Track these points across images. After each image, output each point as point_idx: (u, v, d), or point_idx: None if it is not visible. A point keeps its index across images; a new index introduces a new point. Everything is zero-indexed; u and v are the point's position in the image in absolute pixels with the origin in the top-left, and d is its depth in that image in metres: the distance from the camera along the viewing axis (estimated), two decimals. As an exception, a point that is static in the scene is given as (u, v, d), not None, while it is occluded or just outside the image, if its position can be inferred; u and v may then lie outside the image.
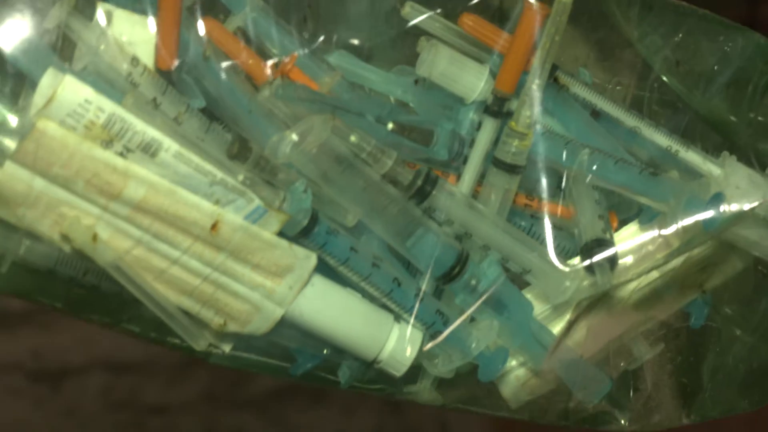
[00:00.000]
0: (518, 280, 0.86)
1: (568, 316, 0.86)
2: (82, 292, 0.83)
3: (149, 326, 0.86)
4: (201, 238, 0.76)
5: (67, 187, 0.73)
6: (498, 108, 0.84)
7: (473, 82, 0.86)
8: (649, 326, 0.92)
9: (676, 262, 0.86)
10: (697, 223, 0.84)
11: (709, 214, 0.84)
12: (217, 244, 0.76)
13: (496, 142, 0.85)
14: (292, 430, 1.98)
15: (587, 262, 0.83)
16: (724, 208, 0.84)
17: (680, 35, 0.88)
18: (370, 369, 0.85)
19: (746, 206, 0.83)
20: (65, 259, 0.81)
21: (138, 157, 0.74)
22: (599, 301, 0.86)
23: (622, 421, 0.93)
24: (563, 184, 0.86)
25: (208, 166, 0.76)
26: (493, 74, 0.86)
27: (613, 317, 0.88)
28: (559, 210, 0.88)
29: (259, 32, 0.83)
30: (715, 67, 0.88)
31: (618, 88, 0.91)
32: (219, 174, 0.76)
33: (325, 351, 0.85)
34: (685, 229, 0.83)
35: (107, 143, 0.74)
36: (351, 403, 1.97)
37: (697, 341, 0.95)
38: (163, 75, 0.78)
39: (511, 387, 0.88)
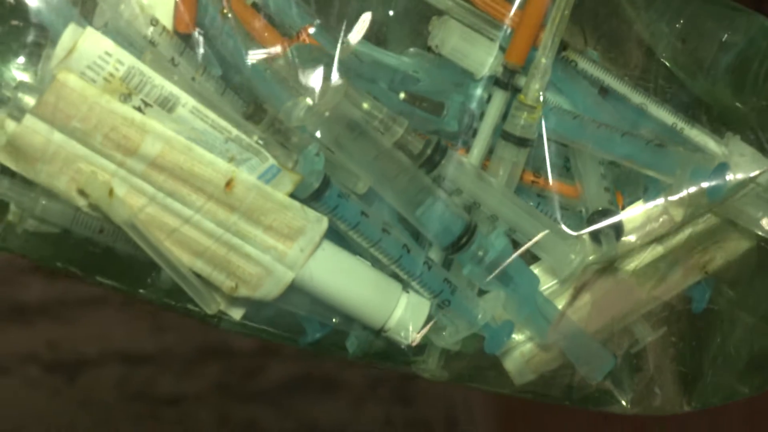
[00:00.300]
0: (525, 256, 0.84)
1: (571, 288, 0.85)
2: (97, 254, 0.83)
3: (161, 292, 0.85)
4: (215, 197, 0.75)
5: (85, 142, 0.72)
6: (507, 80, 0.84)
7: (483, 57, 0.85)
8: (651, 307, 0.91)
9: (680, 238, 0.86)
10: (701, 192, 0.83)
11: (713, 182, 0.83)
12: (231, 203, 0.75)
13: (505, 116, 0.84)
14: (303, 421, 1.97)
15: (590, 229, 0.83)
16: (729, 177, 0.82)
17: (682, 20, 0.87)
18: (378, 338, 0.84)
19: (750, 174, 0.82)
20: (81, 219, 0.80)
21: (156, 111, 0.74)
22: (604, 274, 0.85)
23: (624, 403, 0.92)
24: (570, 161, 0.87)
25: (224, 123, 0.75)
26: (503, 50, 0.84)
27: (618, 293, 0.87)
28: (566, 189, 0.87)
29: (276, 6, 0.83)
30: (718, 51, 0.87)
31: (625, 78, 0.90)
32: (234, 131, 0.75)
33: (334, 320, 0.84)
34: (690, 198, 0.82)
35: (126, 97, 0.73)
36: (360, 395, 1.96)
37: (698, 325, 0.94)
38: (182, 38, 0.77)
39: (515, 363, 0.87)
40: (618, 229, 0.84)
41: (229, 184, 0.75)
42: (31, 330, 1.95)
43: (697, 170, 0.84)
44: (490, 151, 0.85)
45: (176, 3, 0.77)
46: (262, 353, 1.96)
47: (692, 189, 0.82)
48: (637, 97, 0.88)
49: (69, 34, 0.74)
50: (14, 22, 0.77)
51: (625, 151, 0.85)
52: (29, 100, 0.73)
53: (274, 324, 0.87)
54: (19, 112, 0.72)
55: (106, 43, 0.73)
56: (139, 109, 0.73)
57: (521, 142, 0.83)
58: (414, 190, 0.80)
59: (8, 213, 0.81)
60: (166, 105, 0.74)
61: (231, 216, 0.75)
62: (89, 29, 0.73)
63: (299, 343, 0.87)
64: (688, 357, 0.94)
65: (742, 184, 0.83)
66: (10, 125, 0.72)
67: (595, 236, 0.84)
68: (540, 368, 0.88)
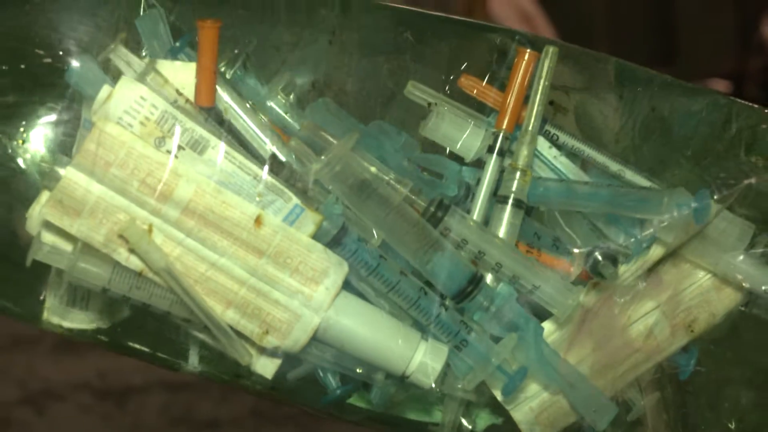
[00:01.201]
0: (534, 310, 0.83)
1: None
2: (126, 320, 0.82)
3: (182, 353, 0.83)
4: (244, 241, 0.73)
5: (123, 189, 0.71)
6: (499, 146, 0.82)
7: (471, 142, 0.84)
8: (644, 369, 0.86)
9: (666, 287, 0.84)
10: (687, 219, 0.80)
11: (699, 205, 0.80)
12: (259, 247, 0.74)
13: (497, 184, 0.83)
14: None
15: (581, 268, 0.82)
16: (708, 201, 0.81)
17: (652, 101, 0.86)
18: (400, 387, 0.81)
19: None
20: (115, 280, 0.75)
21: (188, 154, 0.73)
22: (599, 315, 0.83)
23: None
24: (557, 231, 0.86)
25: (251, 165, 0.74)
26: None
27: (612, 336, 0.83)
28: (558, 262, 0.84)
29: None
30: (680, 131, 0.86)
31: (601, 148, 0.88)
32: (260, 172, 0.74)
33: (358, 370, 0.80)
34: (677, 226, 0.81)
35: (160, 140, 0.72)
36: None
37: (687, 390, 0.89)
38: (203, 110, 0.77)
39: (525, 416, 0.83)
40: (613, 259, 0.82)
41: (258, 220, 0.73)
42: (82, 361, 1.94)
43: (680, 199, 0.81)
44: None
45: (197, 80, 0.76)
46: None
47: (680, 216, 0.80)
48: (614, 165, 0.85)
49: (104, 92, 0.74)
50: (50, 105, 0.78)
51: (611, 201, 0.82)
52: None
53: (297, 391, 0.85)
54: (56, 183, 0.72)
55: (141, 89, 0.72)
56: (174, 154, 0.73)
57: (517, 203, 0.81)
58: (423, 244, 0.78)
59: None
60: (197, 147, 0.73)
61: (260, 260, 0.74)
62: (124, 77, 0.73)
63: (322, 401, 0.83)
64: (680, 422, 0.89)
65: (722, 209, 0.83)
66: (45, 196, 0.72)
67: (594, 270, 0.82)
68: (550, 423, 0.84)
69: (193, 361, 0.82)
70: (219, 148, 0.73)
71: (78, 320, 0.82)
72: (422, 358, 0.78)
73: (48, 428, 1.94)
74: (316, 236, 0.76)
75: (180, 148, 0.73)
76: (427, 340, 0.79)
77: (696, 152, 0.84)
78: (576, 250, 0.83)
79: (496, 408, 0.86)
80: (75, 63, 0.77)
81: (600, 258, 0.82)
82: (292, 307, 0.75)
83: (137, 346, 0.85)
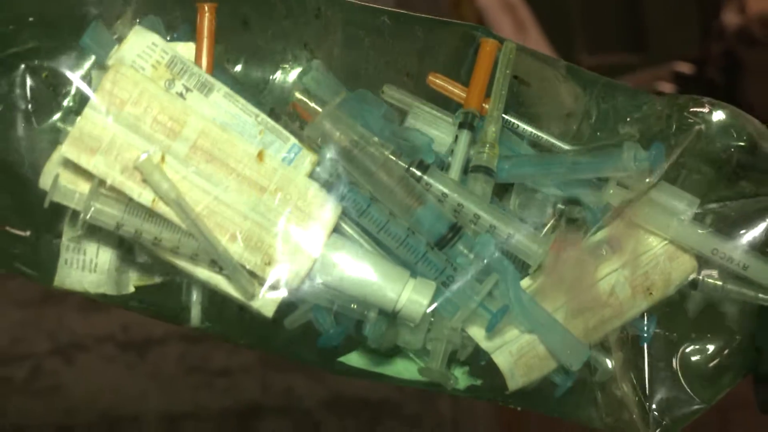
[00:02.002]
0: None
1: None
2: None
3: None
4: (247, 178, 0.73)
5: (137, 127, 0.71)
6: (470, 122, 0.83)
7: (443, 138, 0.84)
8: (610, 328, 0.85)
9: (625, 251, 0.83)
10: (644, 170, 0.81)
11: (654, 154, 0.81)
12: (261, 183, 0.73)
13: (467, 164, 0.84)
14: (332, 388, 1.96)
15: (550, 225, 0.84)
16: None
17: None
18: (392, 324, 0.79)
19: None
20: (126, 219, 0.74)
21: (195, 96, 0.73)
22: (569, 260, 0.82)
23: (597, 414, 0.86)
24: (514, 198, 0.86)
25: (252, 108, 0.74)
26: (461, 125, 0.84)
27: (583, 299, 0.82)
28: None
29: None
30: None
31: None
32: (262, 114, 0.74)
33: (353, 305, 0.78)
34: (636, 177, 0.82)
35: (170, 82, 0.72)
36: None
37: (650, 352, 0.88)
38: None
39: (506, 361, 0.81)
40: (577, 203, 0.84)
41: (260, 155, 0.73)
42: (107, 315, 1.95)
43: (637, 152, 0.82)
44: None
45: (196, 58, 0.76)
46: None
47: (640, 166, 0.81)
48: (564, 147, 0.86)
49: (115, 50, 0.74)
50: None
51: (575, 165, 0.83)
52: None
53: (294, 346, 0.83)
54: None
55: (153, 36, 0.73)
56: (181, 95, 0.72)
57: (487, 171, 0.82)
58: (408, 196, 0.78)
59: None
60: (204, 89, 0.73)
61: (262, 197, 0.73)
62: (137, 26, 0.73)
63: (318, 344, 0.80)
64: (643, 378, 0.87)
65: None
66: (58, 153, 0.72)
67: (563, 216, 0.84)
68: (528, 370, 0.82)
69: (195, 316, 0.80)
70: (222, 91, 0.74)
71: (87, 283, 0.80)
72: (411, 294, 0.77)
73: (76, 376, 1.95)
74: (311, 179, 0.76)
75: (187, 89, 0.73)
76: (416, 277, 0.79)
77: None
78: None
79: (475, 370, 0.85)
80: (90, 27, 0.75)
81: (564, 207, 0.84)
82: (292, 241, 0.74)
83: (141, 305, 0.83)
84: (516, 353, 0.82)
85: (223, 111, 0.74)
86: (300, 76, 0.82)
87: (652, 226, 0.84)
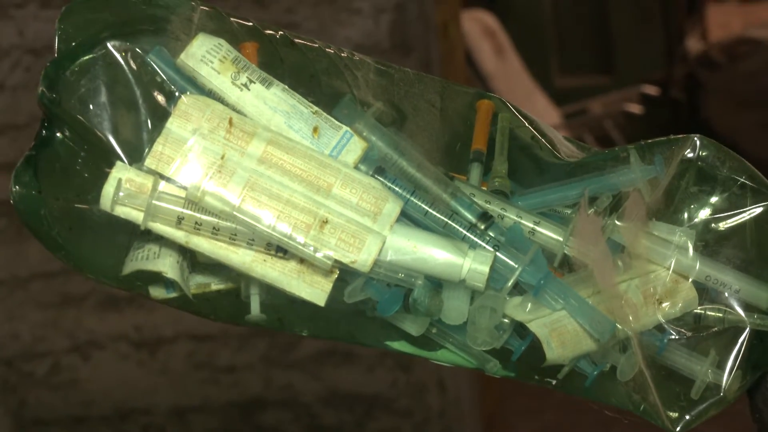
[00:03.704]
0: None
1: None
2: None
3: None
4: (316, 177, 0.72)
5: (212, 138, 0.71)
6: (479, 158, 0.83)
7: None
8: (629, 329, 0.81)
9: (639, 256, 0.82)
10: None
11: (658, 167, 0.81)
12: (328, 180, 0.73)
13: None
14: (329, 383, 1.99)
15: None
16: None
17: None
18: (436, 293, 0.77)
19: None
20: (187, 214, 0.72)
21: (258, 88, 0.73)
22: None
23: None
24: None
25: (307, 101, 0.74)
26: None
27: (608, 294, 0.81)
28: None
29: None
30: None
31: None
32: (315, 107, 0.74)
33: (400, 275, 0.76)
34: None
35: (235, 74, 0.72)
36: (372, 363, 1.97)
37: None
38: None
39: (541, 330, 0.80)
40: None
41: (315, 130, 0.73)
42: (122, 316, 2.00)
43: (642, 167, 0.82)
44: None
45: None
46: None
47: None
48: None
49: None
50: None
51: (586, 185, 0.83)
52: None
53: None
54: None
55: (218, 39, 0.73)
56: (245, 86, 0.72)
57: (503, 194, 0.82)
58: (443, 190, 0.78)
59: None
60: (265, 83, 0.73)
61: (331, 191, 0.73)
62: (202, 33, 0.73)
63: (378, 309, 0.76)
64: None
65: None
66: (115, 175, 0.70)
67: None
68: (561, 344, 0.81)
69: (255, 310, 0.77)
70: (281, 86, 0.73)
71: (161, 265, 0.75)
72: (472, 263, 0.76)
73: (92, 372, 2.00)
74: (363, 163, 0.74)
75: (251, 81, 0.73)
76: (475, 248, 0.76)
77: None
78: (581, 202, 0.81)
79: (509, 365, 0.82)
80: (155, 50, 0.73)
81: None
82: (364, 224, 0.73)
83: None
84: (550, 325, 0.81)
85: (282, 101, 0.73)
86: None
87: (652, 258, 0.83)
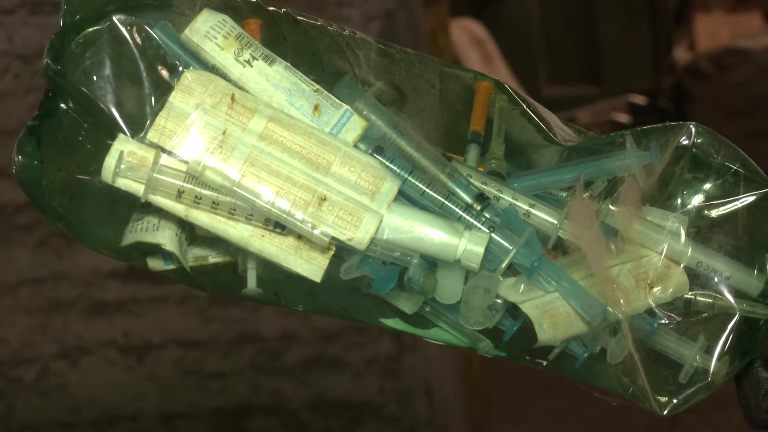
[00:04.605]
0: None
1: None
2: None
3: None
4: (316, 154, 0.73)
5: (214, 113, 0.71)
6: (476, 139, 0.84)
7: None
8: (620, 312, 0.80)
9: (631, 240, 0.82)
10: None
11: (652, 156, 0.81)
12: (328, 158, 0.73)
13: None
14: (316, 390, 1.98)
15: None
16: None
17: None
18: (431, 272, 0.77)
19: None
20: (187, 188, 0.72)
21: (260, 65, 0.73)
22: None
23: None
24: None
25: (309, 79, 0.74)
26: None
27: (600, 277, 0.81)
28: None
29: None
30: None
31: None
32: (317, 85, 0.74)
33: (396, 253, 0.76)
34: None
35: (239, 51, 0.72)
36: (359, 370, 1.96)
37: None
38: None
39: (534, 311, 0.80)
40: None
41: (316, 108, 0.74)
42: (110, 322, 1.99)
43: (637, 153, 0.82)
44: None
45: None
46: (285, 338, 1.98)
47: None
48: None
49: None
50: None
51: (582, 169, 0.83)
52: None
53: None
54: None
55: (223, 16, 0.73)
56: (248, 62, 0.72)
57: (499, 175, 0.82)
58: (439, 171, 0.78)
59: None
60: (267, 60, 0.73)
61: (330, 169, 0.73)
62: (207, 8, 0.73)
63: (374, 287, 0.77)
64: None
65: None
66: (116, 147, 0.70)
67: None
68: (553, 325, 0.81)
69: (252, 284, 0.77)
70: (283, 64, 0.74)
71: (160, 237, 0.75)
72: (468, 244, 0.77)
73: (80, 377, 1.99)
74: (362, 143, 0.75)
75: (254, 58, 0.73)
76: (470, 229, 0.77)
77: None
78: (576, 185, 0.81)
79: (500, 345, 0.82)
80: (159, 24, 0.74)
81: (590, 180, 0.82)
82: (362, 203, 0.73)
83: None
84: (542, 307, 0.81)
85: (285, 78, 0.74)
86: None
87: (644, 242, 0.83)
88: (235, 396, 2.00)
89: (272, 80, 0.73)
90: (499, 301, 0.80)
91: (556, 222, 0.80)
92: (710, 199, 0.84)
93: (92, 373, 1.99)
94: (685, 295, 0.84)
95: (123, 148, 0.70)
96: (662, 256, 0.83)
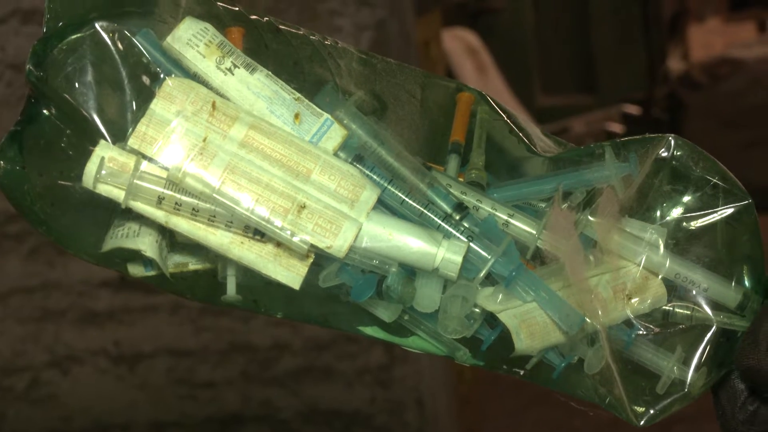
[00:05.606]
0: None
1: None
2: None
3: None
4: (296, 162, 0.73)
5: (195, 121, 0.72)
6: (457, 150, 0.84)
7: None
8: (598, 323, 0.81)
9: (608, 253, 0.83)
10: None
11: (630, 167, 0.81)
12: (308, 166, 0.73)
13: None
14: (307, 400, 1.98)
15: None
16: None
17: None
18: (409, 281, 0.78)
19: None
20: (167, 194, 0.72)
21: (242, 72, 0.74)
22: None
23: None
24: None
25: (289, 88, 0.75)
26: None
27: (578, 288, 0.81)
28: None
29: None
30: None
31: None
32: (297, 94, 0.75)
33: (375, 262, 0.77)
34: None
35: (220, 59, 0.73)
36: (351, 380, 1.96)
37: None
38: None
39: (511, 321, 0.80)
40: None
41: (297, 116, 0.74)
42: (101, 331, 1.99)
43: (616, 164, 0.82)
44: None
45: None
46: (276, 348, 1.98)
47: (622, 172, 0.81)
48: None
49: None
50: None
51: (561, 180, 0.83)
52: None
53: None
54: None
55: (205, 24, 0.74)
56: (229, 70, 0.73)
57: (479, 185, 0.83)
58: (419, 180, 0.78)
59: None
60: (249, 68, 0.74)
61: (310, 177, 0.73)
62: (189, 17, 0.74)
63: (352, 296, 0.77)
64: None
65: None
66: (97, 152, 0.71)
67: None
68: (531, 335, 0.81)
69: (231, 290, 0.78)
70: (264, 72, 0.74)
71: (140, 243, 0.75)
72: (446, 253, 0.77)
73: (71, 386, 1.99)
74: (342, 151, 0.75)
75: (235, 66, 0.73)
76: (449, 238, 0.77)
77: None
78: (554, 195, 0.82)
79: (478, 354, 0.82)
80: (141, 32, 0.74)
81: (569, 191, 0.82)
82: (341, 211, 0.74)
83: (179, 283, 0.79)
84: (520, 316, 0.81)
85: (266, 86, 0.74)
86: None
87: (623, 254, 0.83)
88: (226, 406, 2.00)
89: (253, 88, 0.74)
90: (477, 310, 0.80)
91: (534, 232, 0.81)
92: (689, 211, 0.84)
93: (83, 382, 1.99)
94: (663, 307, 0.84)
95: (104, 154, 0.71)
96: (641, 268, 0.83)
